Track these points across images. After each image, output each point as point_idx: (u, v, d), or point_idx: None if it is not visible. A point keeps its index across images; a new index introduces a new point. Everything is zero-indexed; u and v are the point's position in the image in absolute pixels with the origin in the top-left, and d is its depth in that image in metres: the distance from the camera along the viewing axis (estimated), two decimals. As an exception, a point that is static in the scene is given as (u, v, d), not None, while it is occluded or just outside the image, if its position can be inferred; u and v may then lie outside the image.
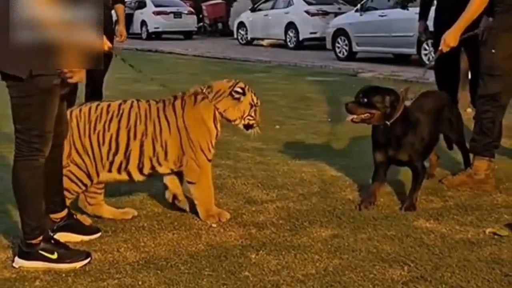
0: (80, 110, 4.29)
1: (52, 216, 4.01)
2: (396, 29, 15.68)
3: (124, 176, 4.35)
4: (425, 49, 14.39)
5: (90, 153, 4.21)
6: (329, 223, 4.39)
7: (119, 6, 7.41)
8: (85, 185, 4.26)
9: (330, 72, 15.01)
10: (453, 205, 4.70)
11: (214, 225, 4.35)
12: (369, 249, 3.89)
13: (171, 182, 4.55)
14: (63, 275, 3.58)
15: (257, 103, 4.44)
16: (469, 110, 7.56)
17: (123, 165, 4.29)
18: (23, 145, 3.55)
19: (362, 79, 13.37)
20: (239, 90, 4.35)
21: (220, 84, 4.41)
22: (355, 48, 17.34)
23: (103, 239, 4.12)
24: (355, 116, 4.61)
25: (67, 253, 3.74)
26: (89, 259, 3.75)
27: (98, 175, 4.28)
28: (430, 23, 7.58)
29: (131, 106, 4.31)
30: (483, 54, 5.07)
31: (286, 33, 22.48)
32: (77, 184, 4.25)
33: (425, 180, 5.21)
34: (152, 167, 4.34)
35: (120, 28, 7.45)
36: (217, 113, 4.35)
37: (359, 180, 5.35)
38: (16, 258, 3.72)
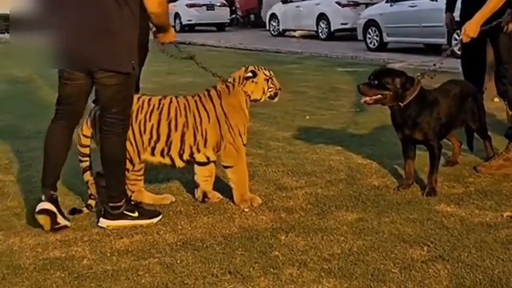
0: None
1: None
2: (426, 19, 15.79)
3: (167, 160, 4.67)
4: (456, 39, 14.43)
5: (132, 140, 4.53)
6: (354, 207, 4.65)
7: None
8: (127, 169, 4.57)
9: (361, 62, 15.19)
10: (474, 191, 4.93)
11: (246, 210, 4.63)
12: (392, 231, 4.16)
13: (204, 180, 4.85)
14: (108, 254, 3.90)
15: (270, 75, 4.83)
16: (496, 99, 7.74)
17: (165, 151, 4.62)
18: (118, 123, 4.25)
19: (392, 69, 13.55)
20: (251, 74, 4.72)
21: (237, 73, 4.80)
22: (386, 38, 17.50)
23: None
24: (368, 98, 4.88)
25: (144, 211, 4.47)
26: (160, 216, 4.47)
27: (140, 159, 4.62)
28: (457, 13, 7.75)
29: (171, 101, 4.66)
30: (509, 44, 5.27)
31: (317, 24, 22.67)
32: None
33: (449, 167, 5.47)
34: (191, 154, 4.66)
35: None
36: (247, 97, 4.72)
37: (384, 167, 5.60)
38: (102, 219, 4.34)
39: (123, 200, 4.37)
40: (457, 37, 14.10)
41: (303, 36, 24.50)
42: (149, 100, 4.63)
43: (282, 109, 8.70)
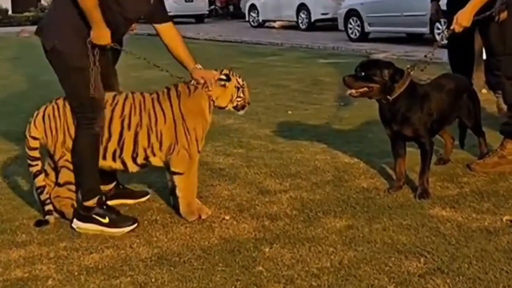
0: None
1: (102, 187, 4.35)
2: (408, 8, 15.52)
3: (118, 165, 4.30)
4: (438, 28, 14.22)
5: None
6: (343, 213, 4.33)
7: None
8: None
9: (343, 53, 14.89)
10: (469, 192, 4.63)
11: (227, 217, 4.30)
12: (385, 240, 3.84)
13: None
14: (76, 273, 3.56)
15: (243, 84, 4.46)
16: (484, 91, 7.45)
17: (117, 153, 4.25)
18: (79, 118, 4.10)
19: (375, 60, 13.26)
20: (224, 77, 4.35)
21: (207, 74, 4.39)
22: (367, 28, 17.20)
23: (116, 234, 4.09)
24: (353, 91, 4.56)
25: (117, 218, 4.17)
26: (135, 224, 4.16)
27: None
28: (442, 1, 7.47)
29: (126, 97, 4.28)
30: (505, 34, 4.97)
31: (297, 14, 22.33)
32: None
33: (441, 166, 5.17)
34: (146, 157, 4.30)
35: None
36: (211, 102, 4.35)
37: (373, 166, 5.30)
38: (75, 220, 4.15)
39: (92, 201, 4.14)
40: (440, 26, 13.95)
41: (283, 27, 24.18)
42: (114, 96, 4.27)
43: (263, 104, 8.38)
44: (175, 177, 4.31)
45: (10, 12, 30.78)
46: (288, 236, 3.97)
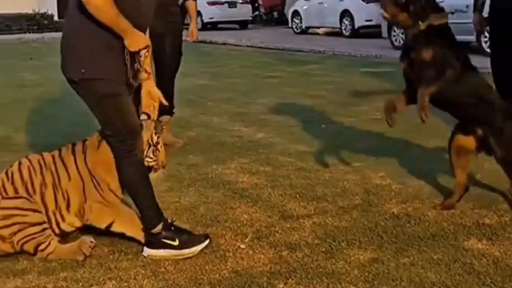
0: None
1: None
2: (454, 15, 14.98)
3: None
4: (485, 36, 13.69)
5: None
6: (369, 243, 3.98)
7: (191, 3, 7.06)
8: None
9: (385, 62, 14.41)
10: (509, 221, 4.23)
11: (242, 246, 4.00)
12: (411, 278, 3.48)
13: None
14: (71, 309, 3.29)
15: (157, 143, 4.04)
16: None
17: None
18: (116, 147, 3.84)
19: (418, 69, 12.82)
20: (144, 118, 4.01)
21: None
22: (412, 35, 16.71)
23: (122, 263, 3.81)
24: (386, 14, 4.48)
25: (188, 238, 3.94)
26: (208, 240, 3.96)
27: None
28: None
29: (20, 163, 3.96)
30: None
31: (341, 21, 21.93)
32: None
33: (477, 189, 4.74)
34: (57, 223, 3.96)
35: (192, 27, 7.15)
36: None
37: (407, 189, 4.93)
38: (145, 248, 3.91)
39: (159, 227, 3.89)
40: (487, 33, 13.42)
41: (327, 33, 23.79)
42: (6, 172, 3.95)
43: (297, 117, 8.04)
44: (112, 230, 3.99)
45: (56, 18, 30.95)
46: (305, 269, 3.64)
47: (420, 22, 4.32)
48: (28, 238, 3.81)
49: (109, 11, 3.57)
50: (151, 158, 4.01)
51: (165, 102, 4.15)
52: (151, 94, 4.06)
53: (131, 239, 4.03)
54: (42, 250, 3.84)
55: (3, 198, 3.83)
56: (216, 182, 5.32)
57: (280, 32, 25.74)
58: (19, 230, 3.80)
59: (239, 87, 10.92)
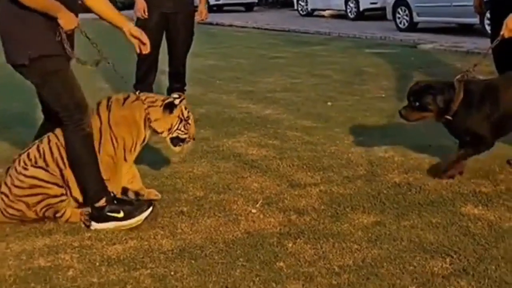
0: (12, 168, 4.19)
1: None
2: (458, -3, 15.20)
3: (73, 204, 4.22)
4: (488, 19, 13.87)
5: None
6: (372, 209, 4.25)
7: None
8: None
9: (390, 43, 14.66)
10: (505, 190, 4.49)
11: (253, 211, 4.27)
12: (411, 238, 3.75)
13: (130, 183, 4.47)
14: (97, 263, 3.56)
15: (187, 117, 4.32)
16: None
17: (68, 194, 4.19)
18: (66, 120, 3.97)
19: (422, 50, 13.04)
20: (170, 103, 4.25)
21: (153, 96, 4.39)
22: (416, 18, 16.89)
23: (142, 224, 4.08)
24: (409, 121, 4.74)
25: (131, 208, 4.09)
26: (151, 208, 4.12)
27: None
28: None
29: (49, 140, 4.19)
30: None
31: (346, 3, 22.07)
32: None
33: (477, 161, 5.00)
34: None
35: (201, 8, 7.38)
36: (147, 118, 4.25)
37: (408, 161, 5.19)
38: (92, 222, 4.05)
39: (103, 200, 4.05)
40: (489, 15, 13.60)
41: (332, 16, 23.95)
42: (28, 155, 4.17)
43: (303, 95, 8.31)
44: None
45: None
46: (313, 231, 3.91)
47: None
48: (48, 207, 4.10)
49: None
50: (182, 131, 4.30)
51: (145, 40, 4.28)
52: (143, 35, 4.26)
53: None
54: (60, 217, 4.13)
55: (32, 165, 4.11)
56: (226, 154, 5.58)
57: (286, 14, 25.90)
58: (42, 200, 4.08)
59: (246, 67, 11.16)
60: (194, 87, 8.30)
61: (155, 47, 6.81)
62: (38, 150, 4.15)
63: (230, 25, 21.57)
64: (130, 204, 4.16)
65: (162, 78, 7.79)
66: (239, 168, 5.18)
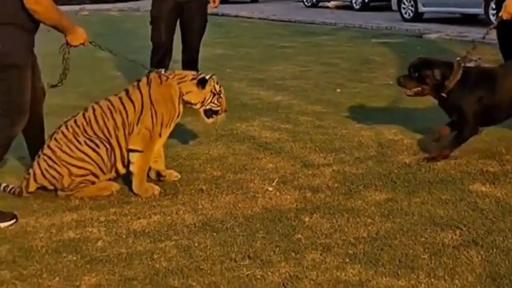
0: (58, 133, 4.44)
1: None
2: (464, -12, 15.32)
3: (112, 174, 4.50)
4: (493, 9, 14.00)
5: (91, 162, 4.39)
6: (383, 187, 4.43)
7: None
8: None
9: (395, 33, 14.79)
10: (511, 169, 4.66)
11: (270, 189, 4.45)
12: (422, 213, 3.93)
13: (154, 161, 4.64)
14: (124, 236, 3.75)
15: (220, 91, 4.60)
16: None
17: (112, 164, 4.45)
18: None
19: (427, 40, 13.19)
20: (202, 79, 4.52)
21: (182, 72, 4.70)
22: (421, 8, 17.01)
23: (164, 202, 4.28)
24: (408, 91, 4.89)
25: None
26: (14, 220, 3.98)
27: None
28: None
29: (93, 109, 4.46)
30: None
31: (351, -6, 22.18)
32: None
33: (484, 143, 5.18)
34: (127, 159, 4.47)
35: None
36: (180, 93, 4.50)
37: (417, 143, 5.36)
38: None
39: None
40: (494, 6, 13.74)
41: (337, 7, 24.05)
42: (75, 121, 4.44)
43: (313, 82, 8.49)
44: (132, 155, 4.42)
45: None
46: (328, 207, 4.09)
47: None
48: (85, 183, 4.36)
49: (55, 15, 4.07)
50: (215, 104, 4.57)
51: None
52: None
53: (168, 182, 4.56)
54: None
55: (87, 139, 4.36)
56: (241, 137, 5.77)
57: (291, 5, 25.98)
58: (85, 175, 4.35)
59: (255, 56, 11.33)
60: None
61: (170, 35, 7.00)
62: (85, 118, 4.41)
63: (236, 16, 21.69)
64: None
65: (175, 66, 7.95)
66: (253, 150, 5.36)
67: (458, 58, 4.85)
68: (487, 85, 4.82)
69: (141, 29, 14.76)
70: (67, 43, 4.32)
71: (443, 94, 4.78)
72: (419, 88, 4.84)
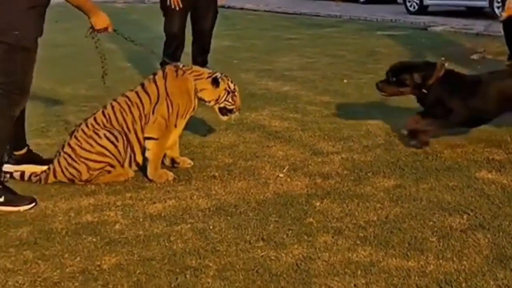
0: (78, 131, 4.56)
1: (16, 153, 4.65)
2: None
3: (134, 168, 4.64)
4: (498, 2, 14.11)
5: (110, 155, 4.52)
6: (392, 173, 4.53)
7: None
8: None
9: (400, 26, 14.86)
10: (517, 157, 4.78)
11: (281, 175, 4.56)
12: (430, 199, 4.04)
13: (169, 148, 4.76)
14: (141, 219, 3.87)
15: (234, 89, 4.72)
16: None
17: (132, 158, 4.60)
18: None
19: (432, 33, 13.27)
20: (216, 79, 4.64)
21: (199, 69, 4.83)
22: (426, 1, 17.09)
23: (178, 187, 4.39)
24: (386, 94, 5.19)
25: (14, 198, 4.10)
26: (33, 204, 4.09)
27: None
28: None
29: (112, 106, 4.58)
30: None
31: (357, -14, 22.23)
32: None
33: (489, 131, 5.27)
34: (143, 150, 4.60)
35: None
36: (195, 89, 4.63)
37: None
38: None
39: None
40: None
41: (342, 0, 24.09)
42: (95, 119, 4.57)
43: (320, 73, 8.58)
44: (148, 142, 4.54)
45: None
46: (338, 192, 4.21)
47: None
48: (103, 173, 4.50)
49: None
50: (229, 102, 4.71)
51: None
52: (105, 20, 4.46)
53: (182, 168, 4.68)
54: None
55: (106, 131, 4.49)
56: (251, 126, 5.88)
57: (296, -2, 26.05)
58: (103, 168, 4.48)
59: (261, 48, 11.42)
60: (212, 66, 8.54)
61: (182, 26, 7.13)
62: (104, 115, 4.53)
63: (241, 8, 21.73)
64: (14, 194, 4.16)
65: (185, 58, 8.06)
66: (263, 139, 5.47)
67: (442, 58, 5.01)
68: (469, 89, 4.98)
69: (147, 20, 14.97)
70: (92, 28, 4.41)
71: (424, 91, 4.96)
72: (398, 91, 5.10)
